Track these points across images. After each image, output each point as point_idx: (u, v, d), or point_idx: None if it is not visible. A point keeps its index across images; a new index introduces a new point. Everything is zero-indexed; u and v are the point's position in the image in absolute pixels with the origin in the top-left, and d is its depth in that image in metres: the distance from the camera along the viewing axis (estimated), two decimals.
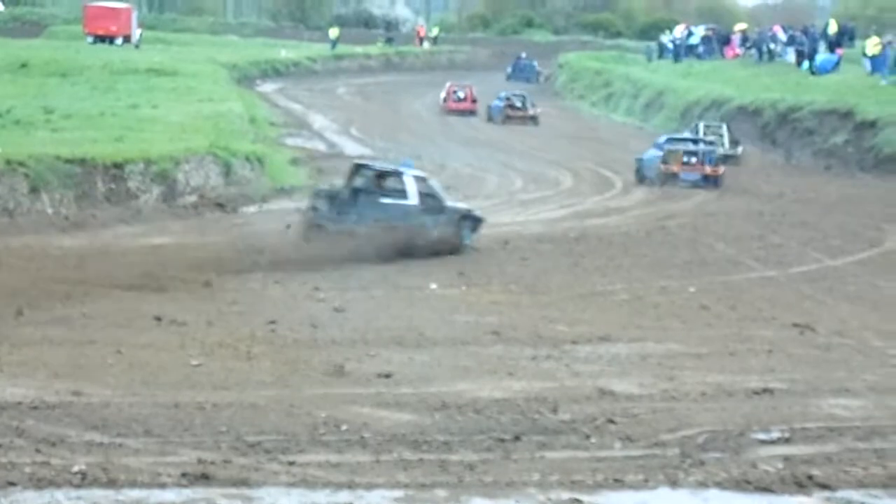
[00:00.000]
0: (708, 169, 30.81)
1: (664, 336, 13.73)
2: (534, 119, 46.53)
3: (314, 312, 14.40)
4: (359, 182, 20.44)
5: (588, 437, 9.36)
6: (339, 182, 21.60)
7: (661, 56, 63.81)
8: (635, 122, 49.66)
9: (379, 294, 16.04)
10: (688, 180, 30.45)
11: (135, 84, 39.09)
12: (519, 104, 47.38)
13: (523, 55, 69.63)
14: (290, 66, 60.51)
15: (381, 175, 20.66)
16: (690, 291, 17.09)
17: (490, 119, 46.96)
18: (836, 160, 35.47)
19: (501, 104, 47.29)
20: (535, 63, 68.44)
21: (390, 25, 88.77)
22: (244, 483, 7.95)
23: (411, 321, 13.98)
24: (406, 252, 18.68)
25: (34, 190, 21.71)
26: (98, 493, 7.69)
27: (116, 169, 23.08)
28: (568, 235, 22.52)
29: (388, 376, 11.05)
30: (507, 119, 46.33)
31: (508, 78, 64.89)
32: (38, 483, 7.76)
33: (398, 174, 20.42)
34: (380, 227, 19.02)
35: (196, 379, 10.75)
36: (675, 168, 30.77)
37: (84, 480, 7.82)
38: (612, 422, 9.71)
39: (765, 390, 11.04)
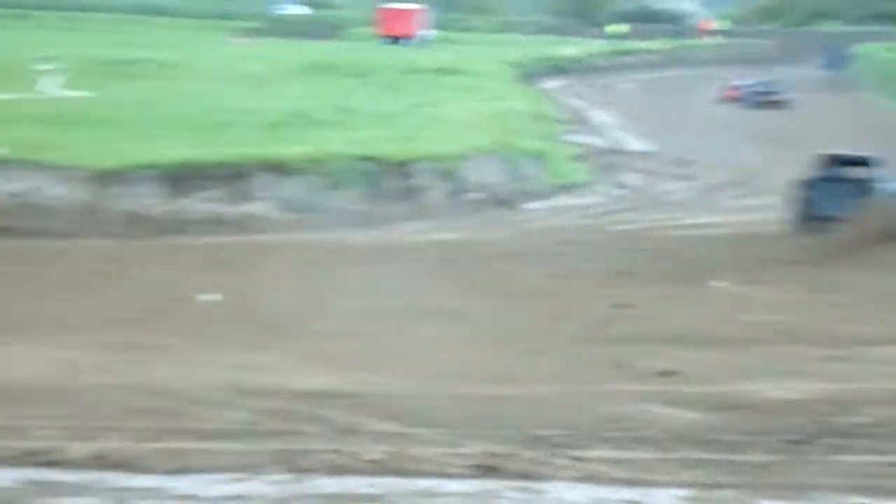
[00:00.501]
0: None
1: None
2: (781, 103, 46.92)
3: (600, 308, 14.36)
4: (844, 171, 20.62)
5: (886, 441, 8.90)
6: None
7: None
8: None
9: (665, 291, 15.85)
10: None
11: (423, 83, 40.04)
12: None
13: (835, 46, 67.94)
14: (572, 63, 60.60)
15: (854, 163, 20.85)
16: None
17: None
18: None
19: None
20: (845, 51, 65.84)
21: (675, 19, 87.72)
22: (531, 476, 8.00)
23: (697, 319, 13.78)
24: None
25: (332, 187, 22.63)
26: (389, 481, 7.89)
27: (405, 167, 23.87)
28: None
29: (673, 374, 10.89)
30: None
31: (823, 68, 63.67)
32: (334, 470, 8.02)
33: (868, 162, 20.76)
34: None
35: (484, 372, 10.87)
36: None
37: (378, 469, 8.04)
38: None
39: None
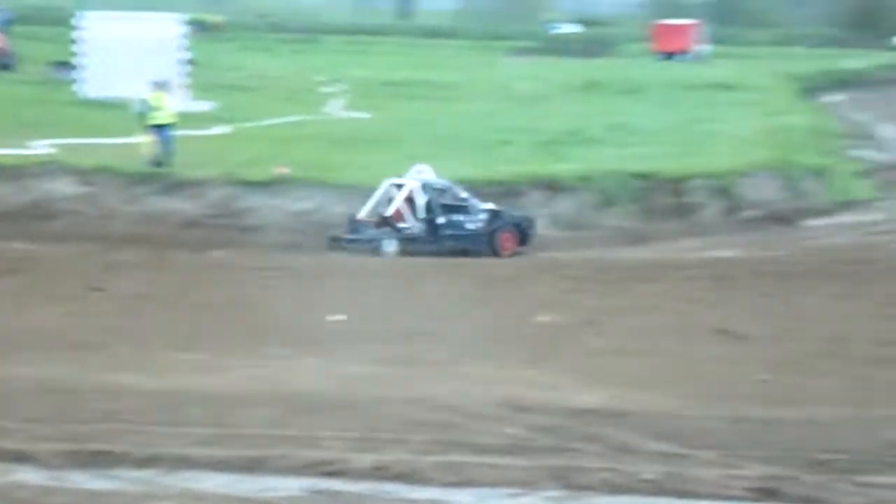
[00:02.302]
0: None
1: None
2: None
3: (883, 328, 13.90)
4: None
5: None
6: None
7: None
8: None
9: None
10: None
11: (698, 99, 39.57)
12: None
13: None
14: (856, 76, 58.49)
15: None
16: None
17: None
18: None
19: None
20: None
21: None
22: (815, 501, 7.83)
23: None
24: None
25: (604, 204, 22.63)
26: (666, 501, 7.85)
27: (679, 183, 23.67)
28: None
29: None
30: None
31: None
32: (610, 488, 8.01)
33: None
34: None
35: (762, 393, 10.69)
36: None
37: (654, 488, 8.01)
38: None
39: None
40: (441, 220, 21.19)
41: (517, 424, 9.36)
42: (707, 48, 65.60)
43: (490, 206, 21.60)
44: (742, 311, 14.99)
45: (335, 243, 20.82)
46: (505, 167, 24.40)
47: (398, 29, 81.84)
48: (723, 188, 24.18)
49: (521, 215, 21.87)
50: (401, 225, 21.15)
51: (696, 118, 34.16)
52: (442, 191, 21.57)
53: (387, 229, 20.89)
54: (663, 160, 25.36)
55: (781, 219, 23.99)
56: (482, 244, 21.04)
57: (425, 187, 21.37)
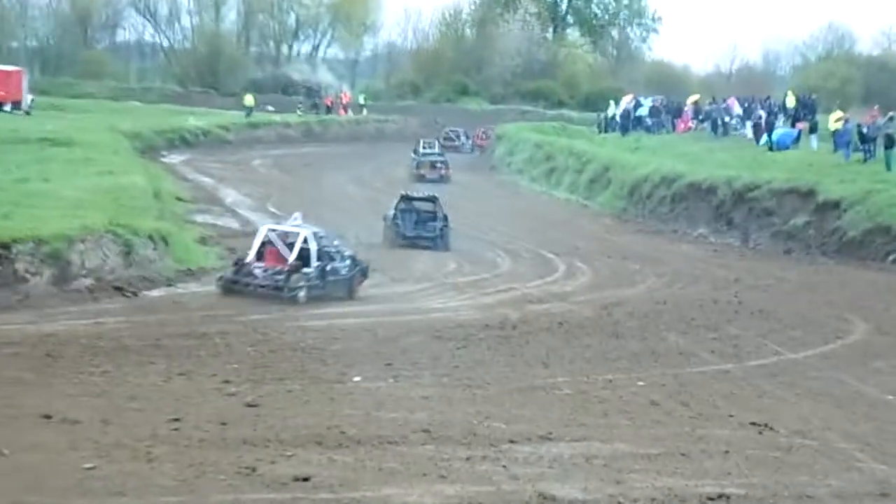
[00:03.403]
0: (443, 171, 55.97)
1: (611, 435, 13.68)
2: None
3: (224, 408, 14.14)
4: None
5: None
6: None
7: (606, 129, 64.89)
8: (579, 199, 50.01)
9: (296, 387, 15.69)
10: (432, 178, 54.18)
11: (25, 154, 38.73)
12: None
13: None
14: (199, 136, 60.54)
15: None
16: (639, 385, 17.12)
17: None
18: (797, 243, 36.25)
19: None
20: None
21: (311, 92, 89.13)
22: None
23: (332, 418, 13.72)
24: None
25: None
26: None
27: (2, 249, 22.67)
28: (506, 323, 22.65)
29: (305, 479, 10.85)
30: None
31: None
32: None
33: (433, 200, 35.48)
34: None
35: (89, 484, 10.55)
36: (424, 172, 55.62)
37: None
38: None
39: (720, 496, 11.08)
40: (328, 266, 24.67)
41: None
42: (33, 98, 64.69)
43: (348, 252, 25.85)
44: (73, 392, 14.73)
45: (232, 286, 23.46)
46: None
47: None
48: (53, 254, 23.53)
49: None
50: (306, 271, 24.08)
51: (22, 176, 33.36)
52: (321, 238, 25.09)
53: (298, 275, 23.74)
54: None
55: (119, 288, 23.84)
56: (346, 288, 25.19)
57: (315, 235, 24.72)
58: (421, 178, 55.33)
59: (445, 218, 36.02)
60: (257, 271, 23.95)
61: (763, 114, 52.28)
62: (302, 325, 21.39)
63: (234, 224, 36.14)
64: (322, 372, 17.02)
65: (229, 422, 13.33)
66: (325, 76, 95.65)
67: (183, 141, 57.86)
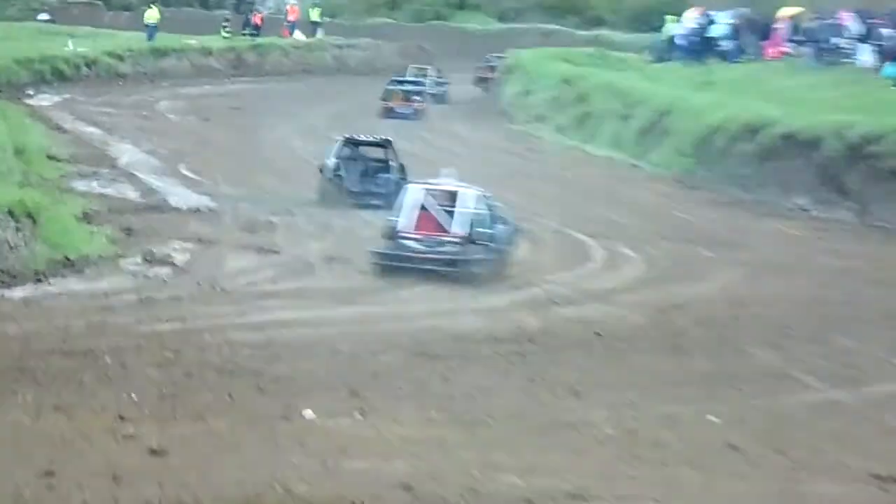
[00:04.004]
0: (416, 104, 51.48)
1: (670, 494, 12.72)
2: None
3: (117, 457, 12.92)
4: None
5: None
6: None
7: (663, 58, 57.97)
8: (625, 158, 45.49)
9: (222, 426, 14.28)
10: (403, 113, 50.03)
11: None
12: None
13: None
14: (82, 67, 56.04)
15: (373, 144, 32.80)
16: (712, 423, 15.72)
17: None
18: None
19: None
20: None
21: (244, 5, 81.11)
22: None
23: (274, 471, 12.53)
24: None
25: None
26: None
27: None
28: (521, 334, 20.18)
29: None
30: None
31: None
32: None
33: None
34: None
35: None
36: (393, 104, 50.94)
37: None
38: None
39: None
40: (497, 234, 24.10)
41: None
42: None
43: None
44: None
45: (390, 263, 22.98)
46: None
47: None
48: None
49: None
50: (480, 240, 23.70)
51: None
52: (488, 198, 24.56)
53: (474, 246, 23.31)
54: None
55: None
56: (506, 261, 24.93)
57: (483, 196, 24.11)
58: (388, 113, 50.47)
59: (402, 168, 32.05)
60: (412, 243, 23.31)
61: (891, 33, 46.71)
62: (229, 339, 18.78)
63: (131, 193, 32.16)
64: (259, 405, 15.52)
65: (125, 476, 12.38)
66: None
67: (58, 74, 53.87)
